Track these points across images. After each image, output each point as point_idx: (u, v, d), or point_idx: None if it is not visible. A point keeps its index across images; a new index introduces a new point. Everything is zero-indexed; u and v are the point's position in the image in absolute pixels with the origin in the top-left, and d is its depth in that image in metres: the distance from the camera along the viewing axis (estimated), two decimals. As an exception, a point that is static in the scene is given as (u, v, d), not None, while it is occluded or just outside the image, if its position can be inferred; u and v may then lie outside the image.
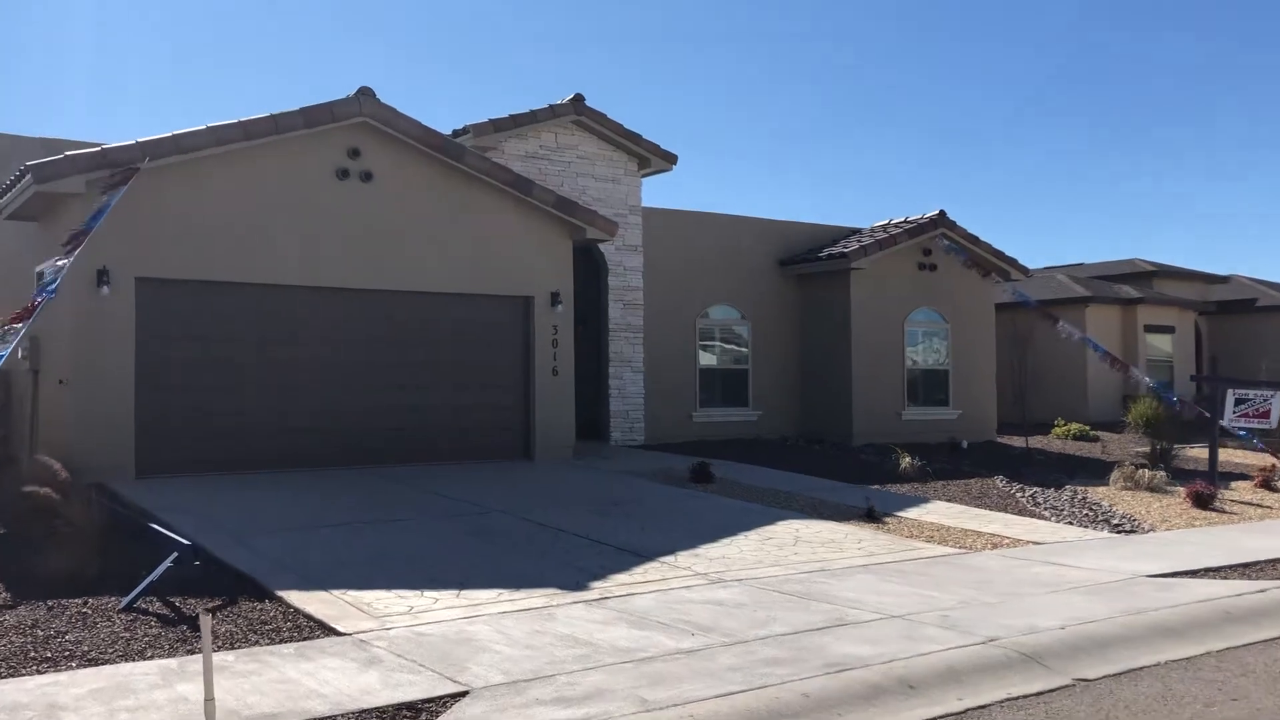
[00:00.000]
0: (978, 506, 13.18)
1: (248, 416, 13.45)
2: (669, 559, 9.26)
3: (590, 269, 18.72)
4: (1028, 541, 10.78)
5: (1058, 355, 23.49)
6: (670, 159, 18.86)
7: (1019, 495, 14.24)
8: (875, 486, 14.41)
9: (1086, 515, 12.86)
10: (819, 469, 15.93)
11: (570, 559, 9.15)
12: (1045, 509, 13.27)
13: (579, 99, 17.88)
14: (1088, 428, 23.47)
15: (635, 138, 18.51)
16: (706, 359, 20.01)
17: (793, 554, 9.64)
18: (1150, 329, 28.50)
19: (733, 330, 20.35)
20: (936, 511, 12.48)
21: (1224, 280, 32.89)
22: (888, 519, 11.80)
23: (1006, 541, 10.72)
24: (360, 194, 14.14)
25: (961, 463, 17.56)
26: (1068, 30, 51.40)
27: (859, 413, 19.93)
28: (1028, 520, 12.27)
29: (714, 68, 53.56)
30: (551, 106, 17.70)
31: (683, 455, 16.83)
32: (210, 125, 12.92)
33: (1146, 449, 18.91)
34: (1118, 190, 58.60)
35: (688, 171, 67.97)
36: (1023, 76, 53.65)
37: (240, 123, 13.05)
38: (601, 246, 18.36)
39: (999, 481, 15.35)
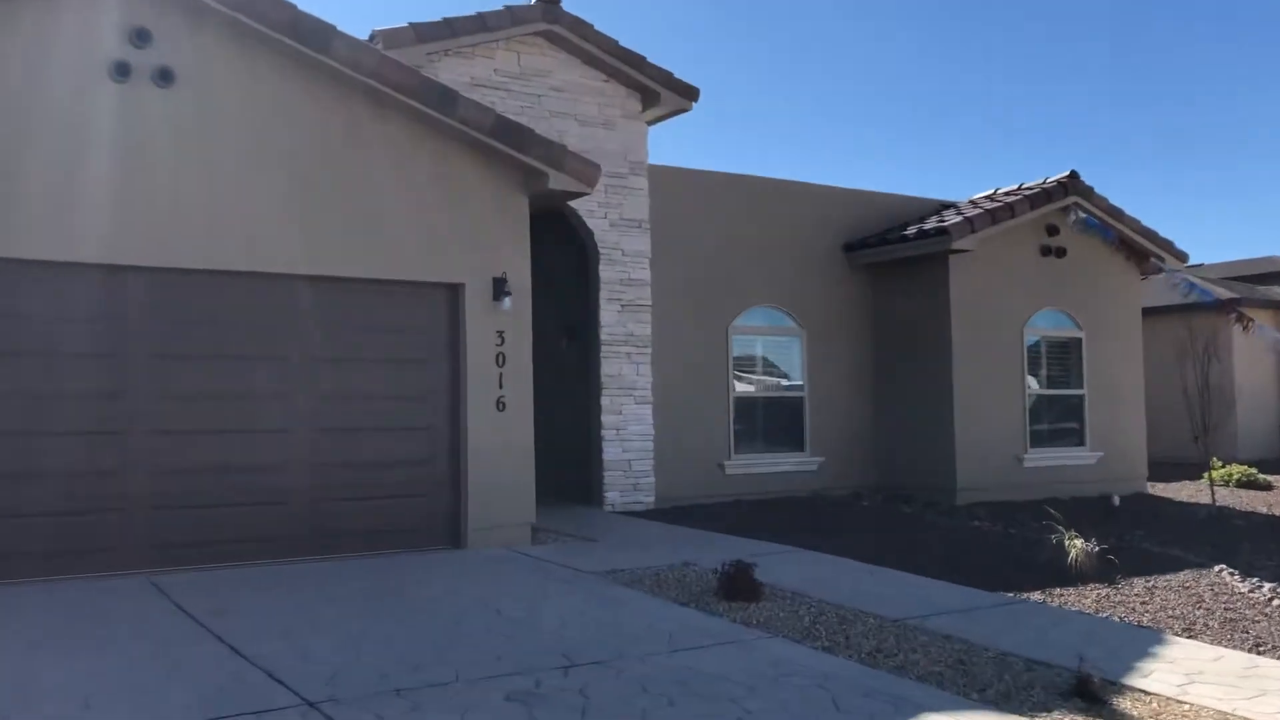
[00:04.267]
0: (1255, 651, 7.11)
1: (-61, 488, 7.70)
2: None
3: (572, 255, 12.90)
4: None
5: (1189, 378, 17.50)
6: (690, 94, 13.02)
7: (1293, 612, 8.18)
8: (1035, 595, 8.44)
9: None
10: (927, 557, 9.90)
11: None
12: (1373, 650, 7.22)
13: (553, 0, 12.14)
14: (1254, 470, 17.82)
15: (637, 61, 12.71)
16: (744, 384, 14.06)
17: None
18: (1315, 340, 22.24)
19: (782, 342, 14.40)
20: (1200, 672, 6.41)
21: (1389, 281, 26.45)
22: (1121, 701, 5.79)
23: None
24: (153, 106, 8.39)
25: (1125, 532, 11.58)
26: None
27: (964, 458, 13.89)
28: (1387, 692, 6.19)
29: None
30: (510, 9, 11.93)
31: (709, 530, 10.98)
32: None
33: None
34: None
35: (712, 123, 49.64)
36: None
37: (-90, -33, 7.38)
38: (592, 224, 12.54)
39: (1231, 579, 9.28)
